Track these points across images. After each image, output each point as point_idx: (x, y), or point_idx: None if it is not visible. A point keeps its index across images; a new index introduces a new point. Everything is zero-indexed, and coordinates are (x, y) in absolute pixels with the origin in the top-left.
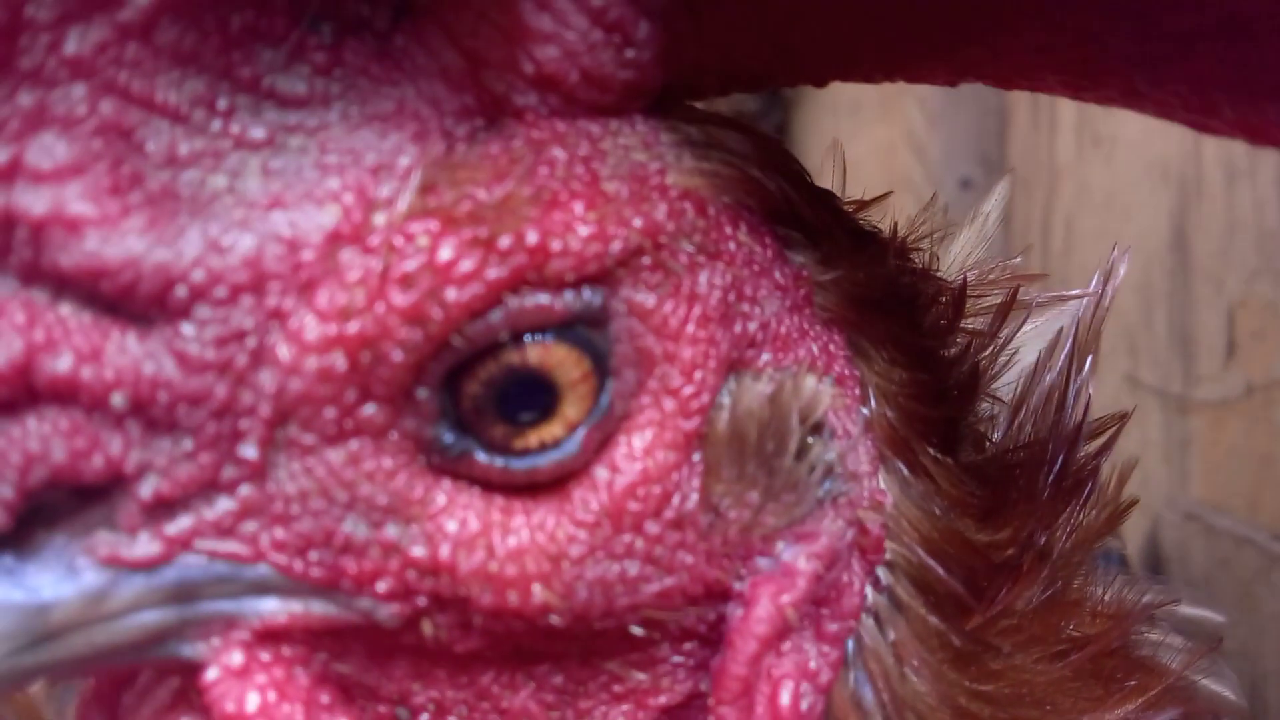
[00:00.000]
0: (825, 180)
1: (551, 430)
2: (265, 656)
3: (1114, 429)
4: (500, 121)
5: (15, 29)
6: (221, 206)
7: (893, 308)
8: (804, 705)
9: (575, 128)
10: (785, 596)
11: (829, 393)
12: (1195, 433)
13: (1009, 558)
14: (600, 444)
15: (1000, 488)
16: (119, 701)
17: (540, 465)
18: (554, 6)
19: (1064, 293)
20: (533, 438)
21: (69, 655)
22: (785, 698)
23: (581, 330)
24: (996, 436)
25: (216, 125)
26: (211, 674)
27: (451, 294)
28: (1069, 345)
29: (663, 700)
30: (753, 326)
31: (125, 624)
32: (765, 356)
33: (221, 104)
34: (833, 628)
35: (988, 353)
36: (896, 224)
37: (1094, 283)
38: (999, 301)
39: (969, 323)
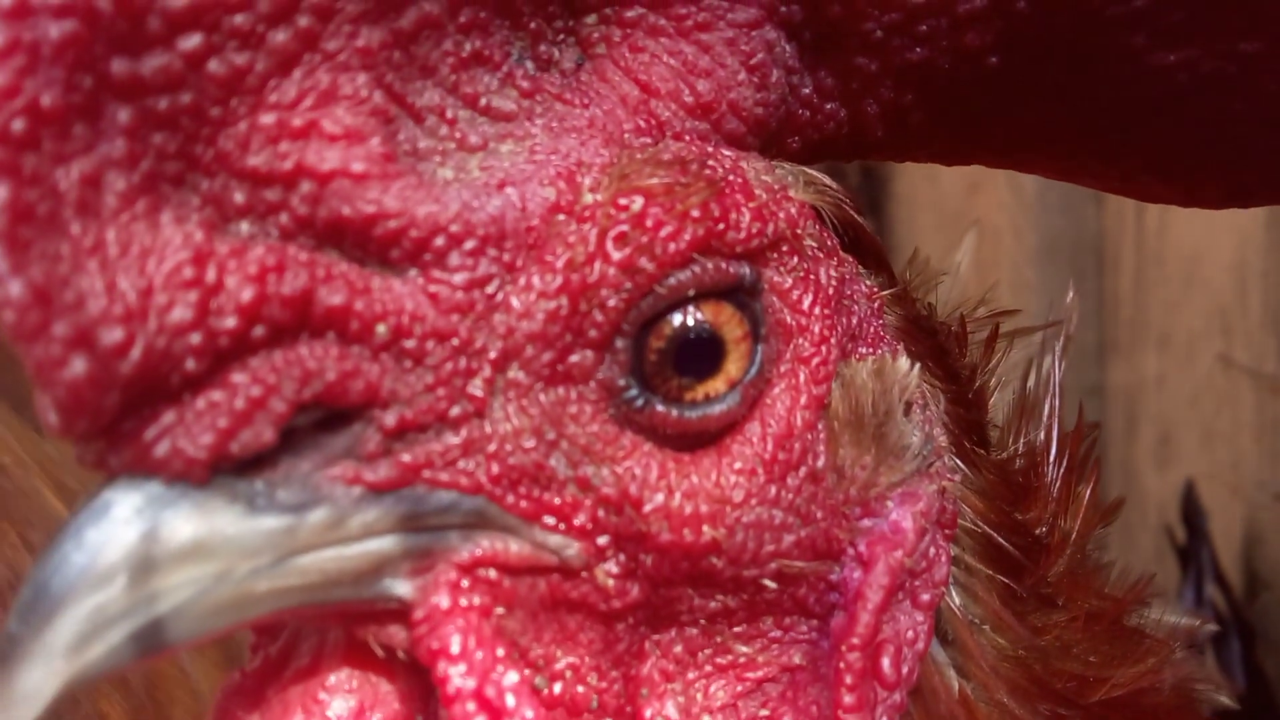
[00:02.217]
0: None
1: (715, 385)
2: (464, 602)
3: (1094, 434)
4: (663, 140)
5: (329, 12)
6: (455, 188)
7: (930, 330)
8: (904, 669)
9: (719, 149)
10: (898, 552)
11: (916, 376)
12: None
13: (1040, 534)
14: (753, 402)
15: (1022, 478)
16: (264, 694)
17: (711, 413)
18: (713, 50)
19: (1033, 325)
20: (700, 391)
21: (300, 581)
22: (887, 663)
23: (742, 297)
24: (1009, 443)
25: (444, 130)
26: (420, 613)
27: (658, 249)
28: (1055, 363)
29: (759, 674)
30: (854, 321)
31: (355, 550)
32: (863, 349)
33: (449, 113)
34: (925, 597)
35: (985, 377)
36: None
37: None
38: (984, 336)
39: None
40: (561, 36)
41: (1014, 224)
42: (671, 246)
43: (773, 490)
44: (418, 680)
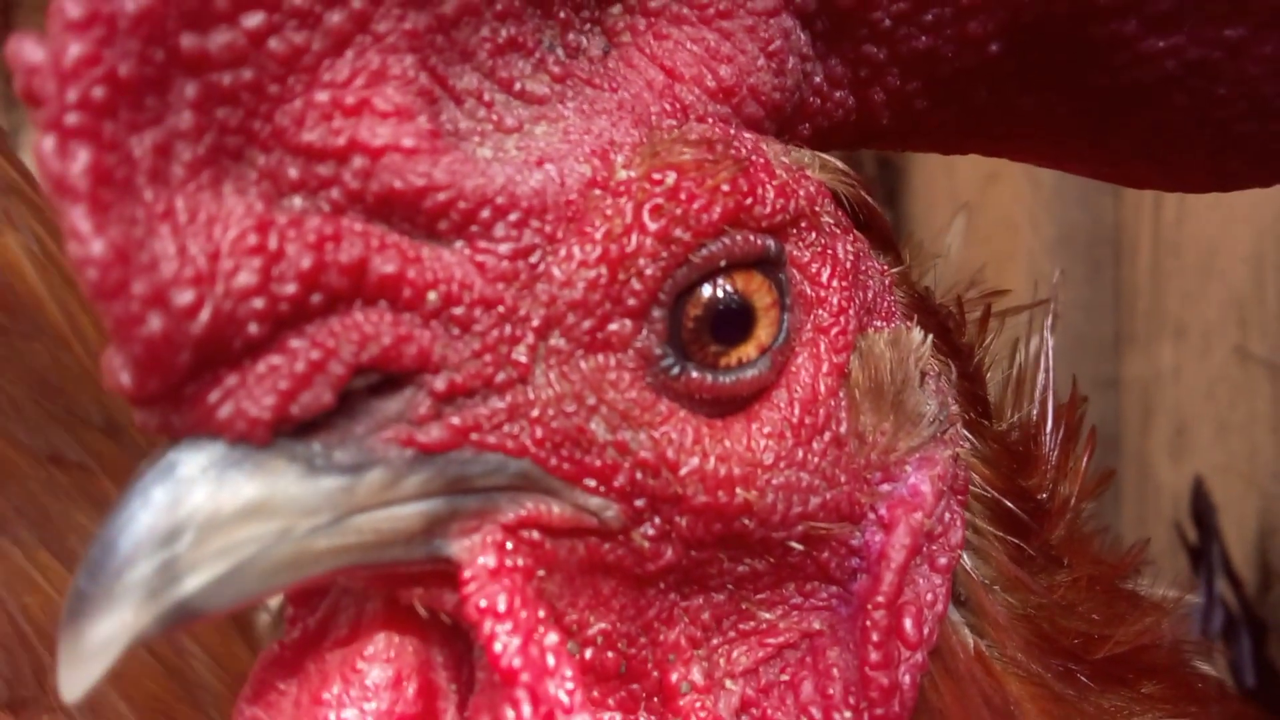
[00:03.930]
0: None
1: (747, 350)
2: (509, 563)
3: (1084, 406)
4: (688, 122)
5: None
6: (497, 164)
7: (931, 310)
8: (925, 630)
9: (740, 131)
10: (918, 514)
11: (929, 346)
12: None
13: (1042, 500)
14: (780, 368)
15: (1021, 447)
16: (302, 664)
17: (744, 378)
18: (734, 37)
19: (1021, 304)
20: (734, 356)
21: (357, 540)
22: (909, 624)
23: (769, 268)
24: (1007, 416)
25: (482, 112)
26: (468, 572)
27: (691, 220)
28: (1046, 338)
29: (780, 640)
30: (869, 295)
31: (408, 510)
32: (878, 322)
33: (486, 96)
34: (942, 560)
35: (981, 353)
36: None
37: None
38: (978, 316)
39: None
40: (588, 26)
41: (1031, 216)
42: (704, 218)
43: (800, 454)
44: (452, 649)
